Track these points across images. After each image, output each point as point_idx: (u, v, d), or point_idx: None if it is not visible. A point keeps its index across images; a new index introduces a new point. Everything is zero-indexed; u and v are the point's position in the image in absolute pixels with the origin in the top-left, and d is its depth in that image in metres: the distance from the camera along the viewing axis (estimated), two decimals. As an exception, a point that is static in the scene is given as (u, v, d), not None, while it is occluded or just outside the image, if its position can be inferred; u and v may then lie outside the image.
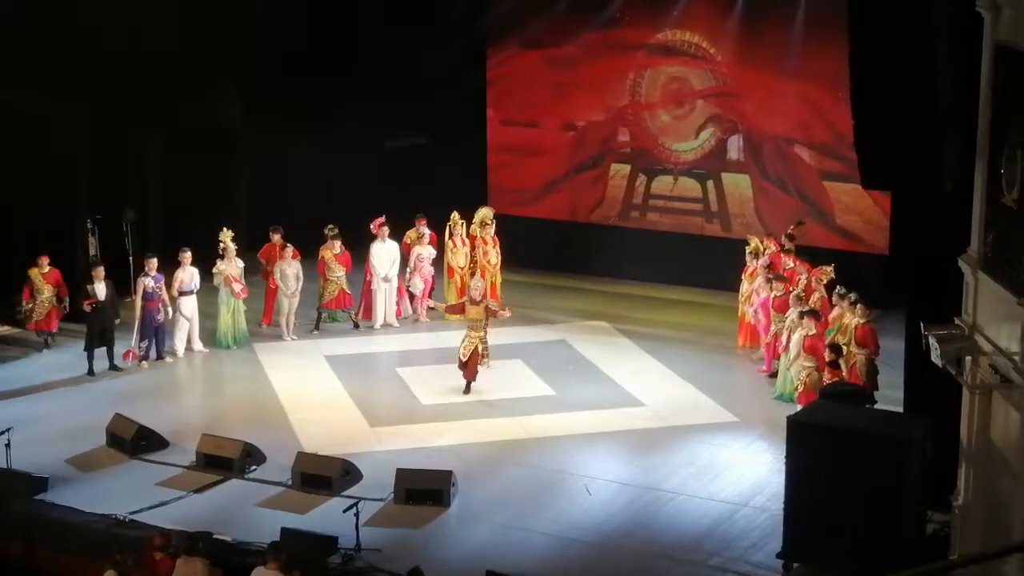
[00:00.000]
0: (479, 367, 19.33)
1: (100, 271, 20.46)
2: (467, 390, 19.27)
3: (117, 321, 20.52)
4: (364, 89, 25.19)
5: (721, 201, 24.35)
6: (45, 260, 20.81)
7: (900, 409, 15.74)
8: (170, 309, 20.67)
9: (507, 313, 19.74)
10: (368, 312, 22.56)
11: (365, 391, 19.58)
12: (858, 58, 13.97)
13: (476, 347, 19.20)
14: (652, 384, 19.85)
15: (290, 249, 21.78)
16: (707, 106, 24.17)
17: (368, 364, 20.95)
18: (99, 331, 20.22)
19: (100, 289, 20.24)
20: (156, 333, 20.65)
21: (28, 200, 21.96)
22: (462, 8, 24.65)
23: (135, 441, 17.37)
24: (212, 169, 24.22)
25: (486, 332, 19.41)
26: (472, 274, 22.96)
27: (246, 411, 18.96)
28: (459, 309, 19.92)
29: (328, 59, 24.48)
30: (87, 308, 20.19)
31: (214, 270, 21.16)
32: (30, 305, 20.79)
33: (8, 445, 16.43)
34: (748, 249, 21.26)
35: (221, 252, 21.18)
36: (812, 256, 20.84)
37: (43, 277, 20.74)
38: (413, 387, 19.54)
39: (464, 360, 19.20)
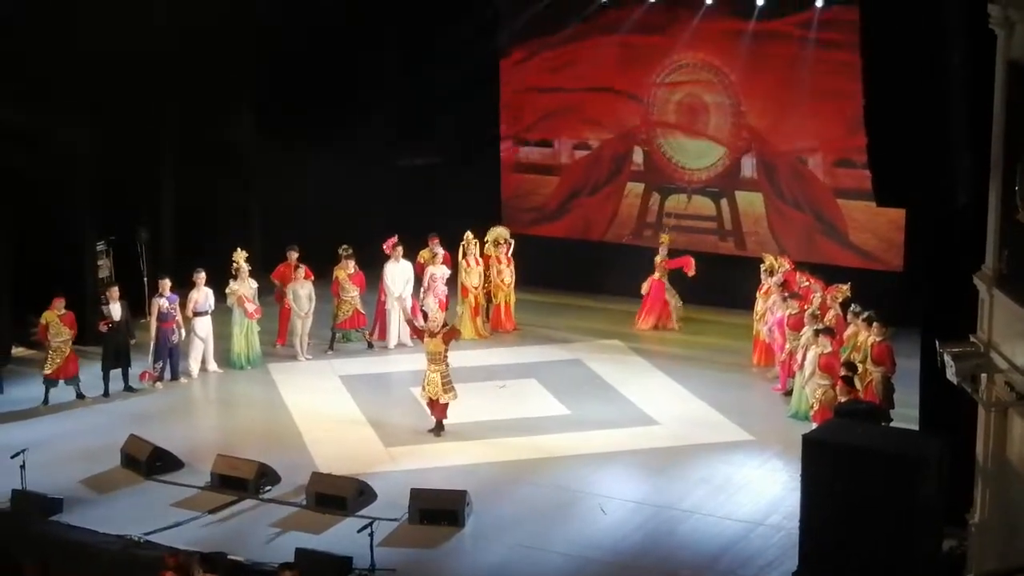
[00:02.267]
0: (445, 402, 18.57)
1: (115, 291, 20.45)
2: (438, 431, 18.60)
3: (132, 342, 20.53)
4: (377, 109, 25.31)
5: (735, 219, 24.35)
6: (61, 302, 19.85)
7: (916, 427, 15.68)
8: (183, 330, 20.69)
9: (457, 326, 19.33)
10: (382, 332, 22.58)
11: (379, 411, 19.58)
12: (872, 76, 13.97)
13: (438, 385, 18.42)
14: (666, 403, 19.83)
15: (302, 269, 21.80)
16: (720, 125, 24.18)
17: (382, 384, 20.95)
18: (114, 352, 20.23)
19: (115, 310, 20.24)
20: (171, 354, 20.68)
21: (38, 221, 21.98)
22: (474, 28, 24.71)
23: (150, 462, 17.38)
24: (225, 190, 24.28)
25: (447, 365, 18.54)
26: (487, 294, 23.05)
27: (261, 431, 18.97)
28: (420, 335, 19.15)
29: (341, 79, 24.58)
30: (103, 329, 20.22)
31: (227, 290, 21.19)
32: (47, 345, 19.85)
33: (23, 466, 16.44)
34: (762, 267, 21.25)
35: (234, 272, 21.22)
36: (827, 274, 20.80)
37: (60, 320, 19.82)
38: (427, 407, 19.51)
39: (431, 399, 18.55)
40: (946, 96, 13.50)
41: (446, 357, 18.58)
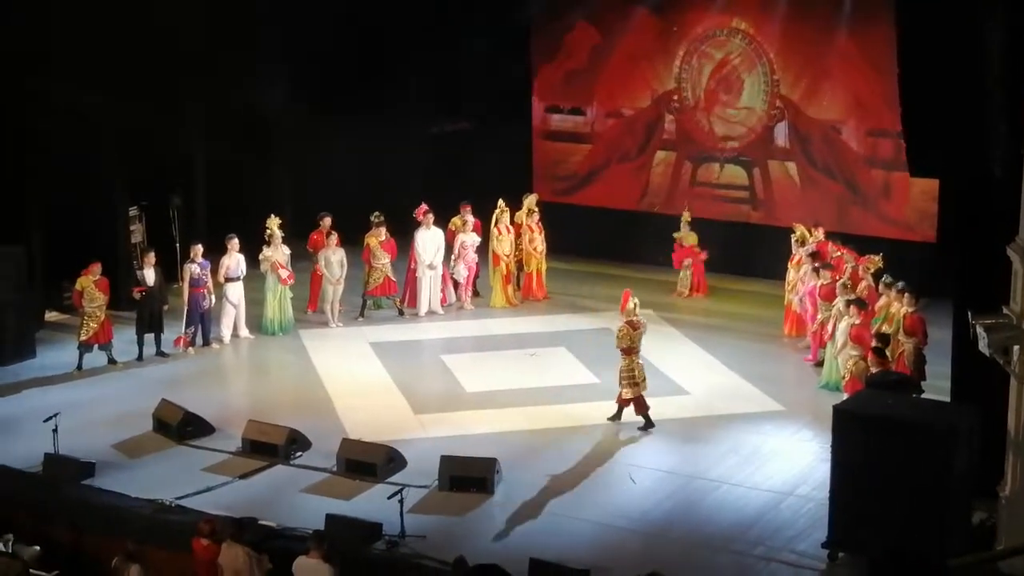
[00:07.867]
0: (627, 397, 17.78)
1: (151, 257, 20.54)
2: (647, 425, 17.71)
3: (165, 307, 20.63)
4: (409, 76, 25.25)
5: (767, 188, 24.26)
6: (96, 267, 19.95)
7: (948, 398, 15.63)
8: (213, 296, 20.72)
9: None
10: (413, 299, 22.61)
11: (409, 378, 19.62)
12: (906, 44, 13.87)
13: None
14: (697, 372, 19.80)
15: (334, 236, 21.83)
16: (753, 93, 24.08)
17: (412, 351, 20.99)
18: (148, 317, 20.32)
19: (150, 275, 20.34)
20: (202, 319, 20.76)
21: (71, 187, 22.03)
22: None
23: (181, 427, 17.47)
24: (258, 156, 24.32)
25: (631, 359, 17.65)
26: (518, 263, 23.01)
27: (291, 397, 19.04)
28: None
29: (374, 45, 24.54)
30: (137, 295, 20.31)
31: (260, 257, 21.25)
32: (81, 310, 19.92)
33: (56, 430, 16.54)
34: (794, 237, 21.17)
35: (267, 239, 21.28)
36: (859, 244, 20.71)
37: (95, 285, 19.86)
38: (457, 374, 19.55)
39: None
40: (982, 66, 13.39)
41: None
